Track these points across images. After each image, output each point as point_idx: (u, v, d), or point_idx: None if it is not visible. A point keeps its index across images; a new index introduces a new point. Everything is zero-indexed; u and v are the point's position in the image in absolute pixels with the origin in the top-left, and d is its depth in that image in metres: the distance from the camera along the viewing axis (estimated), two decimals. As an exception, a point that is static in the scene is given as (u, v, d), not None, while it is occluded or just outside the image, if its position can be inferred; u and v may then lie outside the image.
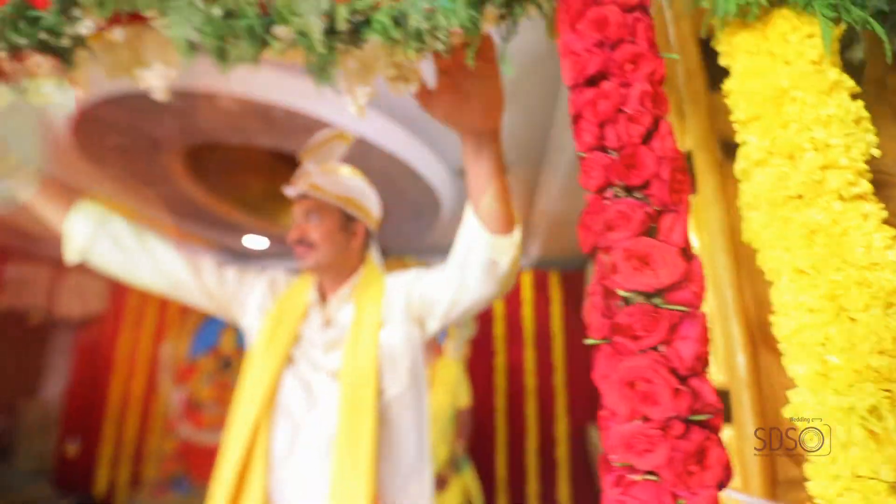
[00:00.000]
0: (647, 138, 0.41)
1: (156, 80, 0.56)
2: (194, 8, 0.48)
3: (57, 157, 2.27)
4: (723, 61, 0.53)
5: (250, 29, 0.48)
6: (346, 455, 0.86)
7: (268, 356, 0.97)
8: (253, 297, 1.10)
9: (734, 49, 0.50)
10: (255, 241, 3.73)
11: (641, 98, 0.41)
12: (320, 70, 0.51)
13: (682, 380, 0.36)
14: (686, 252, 0.39)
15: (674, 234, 0.39)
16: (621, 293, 0.38)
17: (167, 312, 4.05)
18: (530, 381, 3.58)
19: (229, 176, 2.83)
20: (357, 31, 0.48)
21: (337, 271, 1.07)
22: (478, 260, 0.81)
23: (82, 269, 1.07)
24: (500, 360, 3.65)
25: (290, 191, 1.09)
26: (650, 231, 0.39)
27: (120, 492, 3.82)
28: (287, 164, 2.66)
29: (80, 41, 0.53)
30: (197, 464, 3.70)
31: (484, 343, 3.60)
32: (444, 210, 2.90)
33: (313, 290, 1.08)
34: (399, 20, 0.47)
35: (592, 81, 0.43)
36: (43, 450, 3.90)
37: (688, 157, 0.72)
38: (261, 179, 3.03)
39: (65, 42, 0.53)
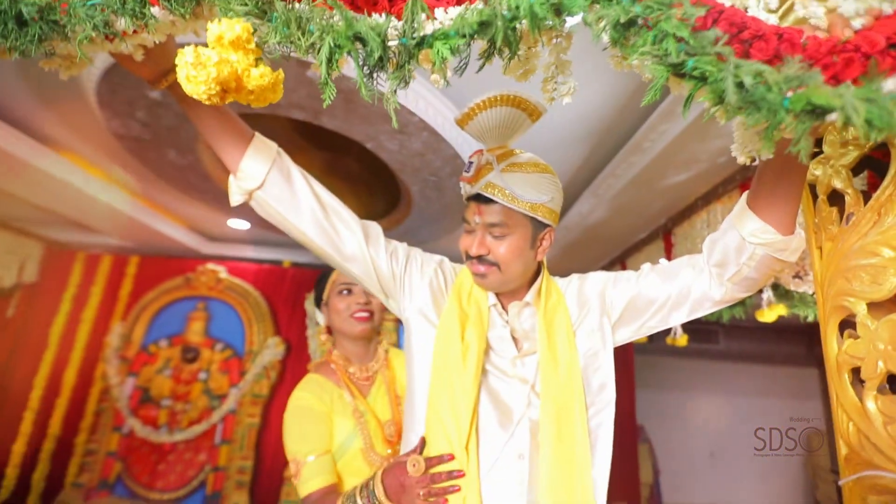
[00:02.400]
0: None
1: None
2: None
3: (77, 114, 1.94)
4: None
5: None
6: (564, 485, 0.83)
7: (465, 369, 0.89)
8: (423, 284, 0.98)
9: None
10: (238, 223, 3.44)
11: None
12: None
13: None
14: None
15: None
16: None
17: (119, 290, 3.54)
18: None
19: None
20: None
21: (519, 283, 0.98)
22: (760, 260, 0.80)
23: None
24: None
25: (468, 190, 0.94)
26: None
27: (32, 495, 3.24)
28: (308, 139, 2.48)
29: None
30: (141, 465, 3.24)
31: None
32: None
33: (490, 293, 0.98)
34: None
35: None
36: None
37: None
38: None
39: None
